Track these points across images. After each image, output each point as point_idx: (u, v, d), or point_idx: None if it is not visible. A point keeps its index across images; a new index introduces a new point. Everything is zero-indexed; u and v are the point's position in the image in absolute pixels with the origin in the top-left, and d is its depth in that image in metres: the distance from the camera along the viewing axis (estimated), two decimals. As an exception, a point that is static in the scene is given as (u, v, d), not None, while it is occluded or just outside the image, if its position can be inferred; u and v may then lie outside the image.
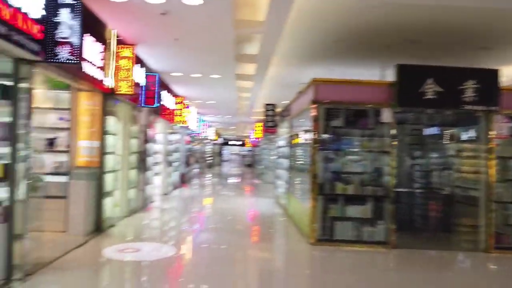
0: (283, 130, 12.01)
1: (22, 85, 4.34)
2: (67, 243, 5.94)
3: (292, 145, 10.01)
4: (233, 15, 5.98)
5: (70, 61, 4.47)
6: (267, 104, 14.04)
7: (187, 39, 7.25)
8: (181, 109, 13.31)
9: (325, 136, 7.00)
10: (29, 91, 4.39)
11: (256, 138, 22.48)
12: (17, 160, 4.30)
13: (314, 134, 6.80)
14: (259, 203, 12.73)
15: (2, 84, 4.22)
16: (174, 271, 5.42)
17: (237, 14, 6.24)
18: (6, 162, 4.31)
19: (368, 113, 7.11)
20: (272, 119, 13.89)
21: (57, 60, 4.44)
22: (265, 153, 19.67)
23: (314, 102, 6.82)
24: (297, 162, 9.16)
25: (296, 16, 6.24)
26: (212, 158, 32.38)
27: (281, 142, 12.08)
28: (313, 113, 6.82)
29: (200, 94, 14.10)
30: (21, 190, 4.33)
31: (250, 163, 35.23)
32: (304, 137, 8.24)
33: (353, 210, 6.78)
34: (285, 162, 10.83)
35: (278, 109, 13.84)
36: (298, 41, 7.69)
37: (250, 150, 37.69)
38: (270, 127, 14.09)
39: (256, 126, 20.56)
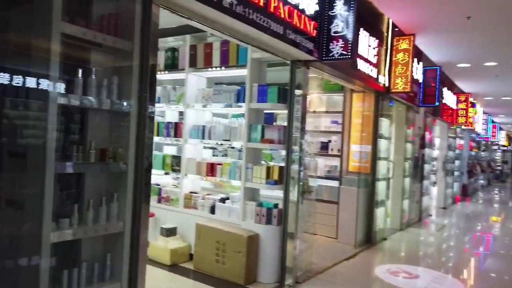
0: None
1: (297, 87, 4.26)
2: (337, 252, 5.68)
3: None
4: None
5: (343, 57, 4.06)
6: None
7: (484, 13, 5.63)
8: (465, 109, 11.20)
9: None
10: (303, 93, 4.27)
11: None
12: (292, 163, 4.26)
13: None
14: None
15: (279, 87, 4.27)
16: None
17: None
18: (281, 165, 4.35)
19: None
20: None
21: (331, 58, 4.12)
22: None
23: None
24: None
25: None
26: (501, 167, 26.72)
27: None
28: None
29: (493, 89, 11.45)
30: (295, 193, 4.26)
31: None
32: None
33: None
34: None
35: None
36: None
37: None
38: None
39: None
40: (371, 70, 5.58)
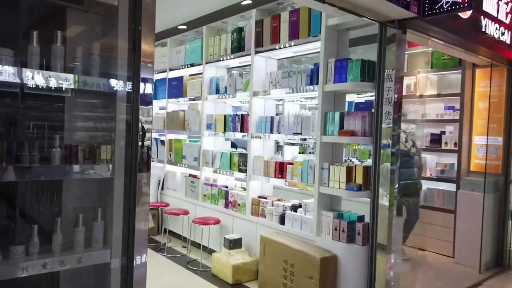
0: None
1: (389, 58, 3.12)
2: (453, 277, 4.30)
3: None
4: None
5: (457, 7, 2.79)
6: None
7: None
8: None
9: None
10: (398, 66, 3.12)
11: None
12: (382, 161, 3.14)
13: None
14: None
15: (363, 61, 3.18)
16: None
17: None
18: (366, 164, 3.26)
19: None
20: None
21: (437, 11, 2.89)
22: None
23: None
24: None
25: None
26: None
27: None
28: None
29: None
30: (388, 200, 3.14)
31: None
32: None
33: None
34: None
35: None
36: None
37: None
38: None
39: None
40: (502, 33, 4.06)
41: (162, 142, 5.70)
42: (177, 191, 5.36)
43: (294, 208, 3.76)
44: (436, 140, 5.26)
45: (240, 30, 4.47)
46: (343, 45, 3.54)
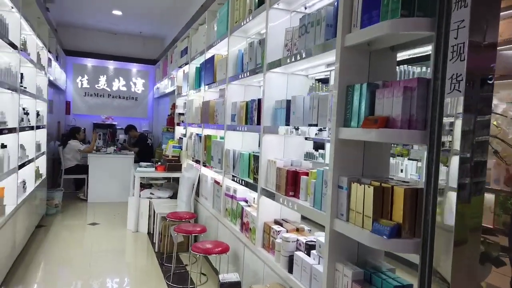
0: None
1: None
2: None
3: None
4: None
5: None
6: None
7: None
8: None
9: None
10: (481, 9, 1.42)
11: None
12: (448, 179, 1.49)
13: None
14: None
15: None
16: None
17: None
18: (412, 185, 1.62)
19: None
20: None
21: None
22: None
23: None
24: None
25: None
26: None
27: None
28: None
29: None
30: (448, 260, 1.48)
31: None
32: None
33: None
34: None
35: None
36: None
37: None
38: None
39: None
40: None
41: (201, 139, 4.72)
42: (208, 200, 4.31)
43: (309, 247, 2.29)
44: None
45: (263, -22, 3.13)
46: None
